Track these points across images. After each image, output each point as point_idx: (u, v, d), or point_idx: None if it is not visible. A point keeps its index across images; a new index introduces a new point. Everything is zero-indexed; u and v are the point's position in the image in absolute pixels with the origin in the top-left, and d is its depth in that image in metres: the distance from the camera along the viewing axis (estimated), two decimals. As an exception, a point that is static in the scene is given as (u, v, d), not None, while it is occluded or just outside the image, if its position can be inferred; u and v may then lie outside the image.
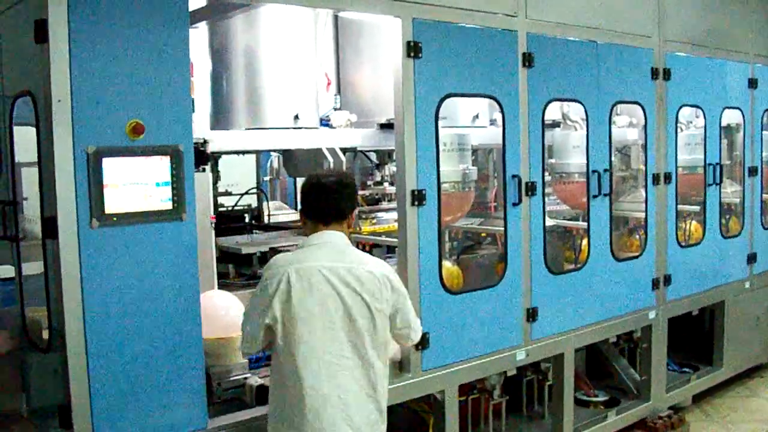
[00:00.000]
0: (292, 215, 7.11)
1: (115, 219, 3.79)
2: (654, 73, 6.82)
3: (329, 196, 3.94)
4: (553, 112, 6.59)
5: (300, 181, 6.08)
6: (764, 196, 8.53)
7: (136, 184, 3.86)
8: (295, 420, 3.74)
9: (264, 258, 5.33)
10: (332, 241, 3.89)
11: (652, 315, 6.98)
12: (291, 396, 3.74)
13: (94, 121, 3.72)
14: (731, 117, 8.10)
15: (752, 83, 8.13)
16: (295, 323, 3.71)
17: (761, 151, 8.41)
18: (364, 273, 3.84)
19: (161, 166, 3.92)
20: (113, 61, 3.77)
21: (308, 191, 3.97)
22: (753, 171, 8.24)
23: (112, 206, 3.78)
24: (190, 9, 4.04)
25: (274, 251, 5.27)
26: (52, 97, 3.62)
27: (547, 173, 6.27)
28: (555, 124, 6.82)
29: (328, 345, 3.75)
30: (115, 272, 3.81)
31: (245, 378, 4.54)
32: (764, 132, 8.46)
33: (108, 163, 3.76)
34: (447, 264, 5.55)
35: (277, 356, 3.81)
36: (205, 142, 4.52)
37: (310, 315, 3.72)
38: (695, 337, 8.28)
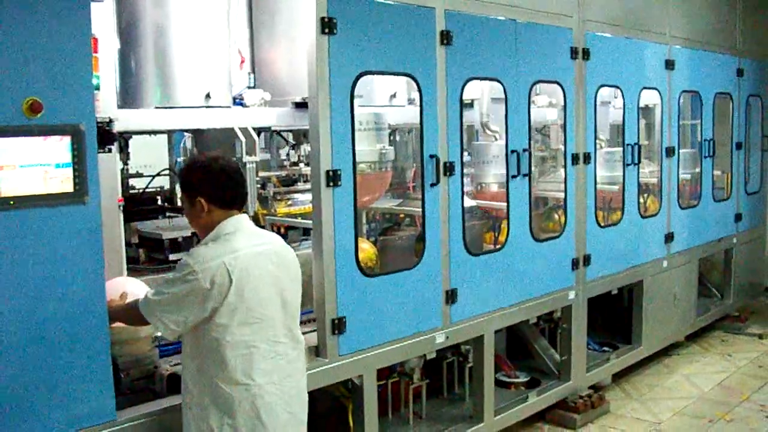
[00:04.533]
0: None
1: (11, 203, 3.58)
2: (573, 53, 6.82)
3: (243, 180, 3.93)
4: (472, 91, 6.53)
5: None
6: (681, 175, 8.65)
7: (34, 165, 3.64)
8: (232, 409, 3.66)
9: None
10: (245, 225, 3.84)
11: (572, 295, 7.01)
12: (224, 386, 3.66)
13: (-14, 98, 3.51)
14: (649, 98, 8.17)
15: (669, 64, 8.22)
16: (235, 313, 3.63)
17: (678, 132, 8.51)
18: (284, 253, 3.90)
19: (61, 146, 3.72)
20: (6, 35, 3.54)
21: (219, 176, 3.80)
22: (670, 151, 8.33)
23: (7, 189, 3.57)
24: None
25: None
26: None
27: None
28: (471, 104, 6.78)
29: (266, 332, 3.72)
30: (12, 259, 3.60)
31: (155, 367, 4.39)
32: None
33: (2, 144, 3.54)
34: (364, 245, 5.47)
35: (209, 346, 3.67)
36: (111, 121, 4.30)
37: (250, 304, 3.66)
38: (614, 316, 8.38)
